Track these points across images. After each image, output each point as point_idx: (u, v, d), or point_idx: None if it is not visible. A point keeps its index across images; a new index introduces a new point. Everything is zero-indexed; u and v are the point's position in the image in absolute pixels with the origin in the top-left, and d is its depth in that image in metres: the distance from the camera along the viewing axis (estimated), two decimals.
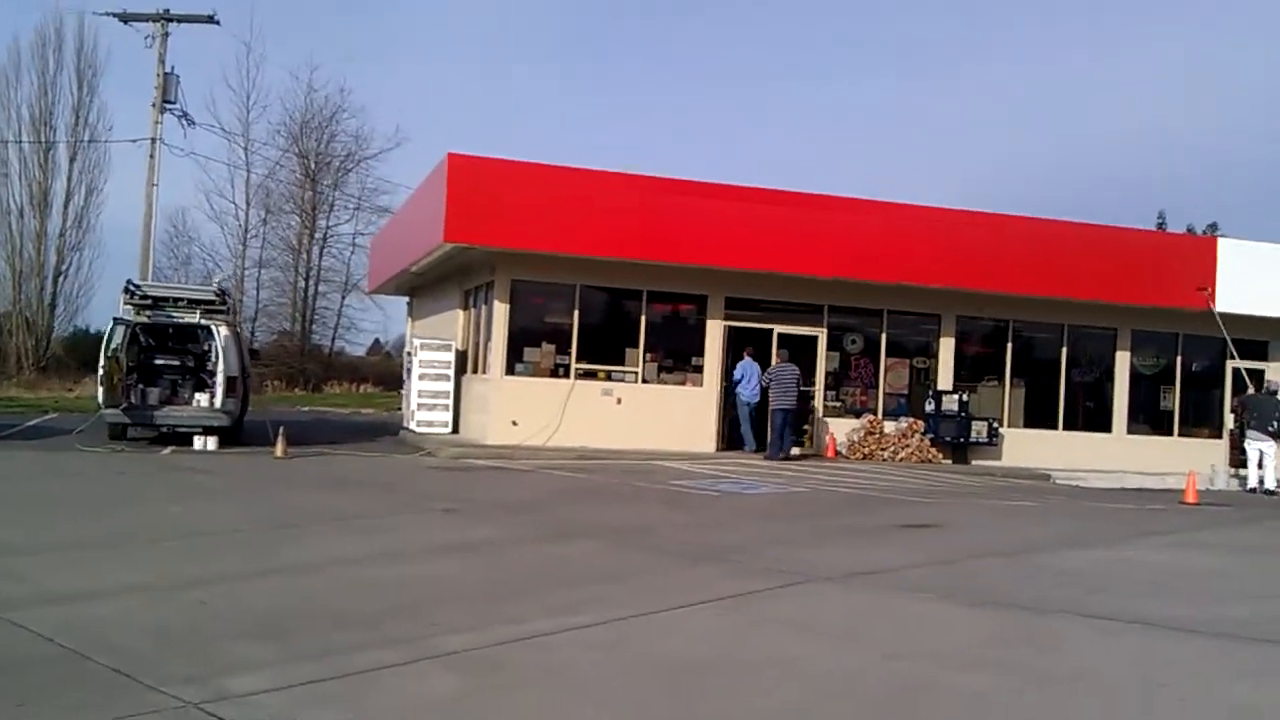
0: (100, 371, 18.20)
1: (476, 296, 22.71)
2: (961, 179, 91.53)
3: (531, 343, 20.71)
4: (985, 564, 10.37)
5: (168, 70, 31.67)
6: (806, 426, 22.26)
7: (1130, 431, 23.82)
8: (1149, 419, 24.19)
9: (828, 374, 22.28)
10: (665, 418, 20.65)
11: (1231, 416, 23.56)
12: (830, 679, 6.12)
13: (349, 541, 10.10)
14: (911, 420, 22.11)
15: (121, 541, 9.65)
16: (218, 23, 32.31)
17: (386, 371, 51.00)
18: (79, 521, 10.79)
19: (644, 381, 20.99)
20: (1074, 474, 20.99)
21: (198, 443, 18.10)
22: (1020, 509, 15.52)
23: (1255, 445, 20.48)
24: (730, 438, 21.42)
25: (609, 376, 20.77)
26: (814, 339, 22.09)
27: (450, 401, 22.13)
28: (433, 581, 8.32)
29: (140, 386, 19.04)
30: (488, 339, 21.07)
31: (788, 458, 20.37)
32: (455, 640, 6.40)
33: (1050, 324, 23.39)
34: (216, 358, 18.61)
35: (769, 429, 20.53)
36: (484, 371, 21.37)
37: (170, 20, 31.80)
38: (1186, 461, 20.59)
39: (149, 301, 18.96)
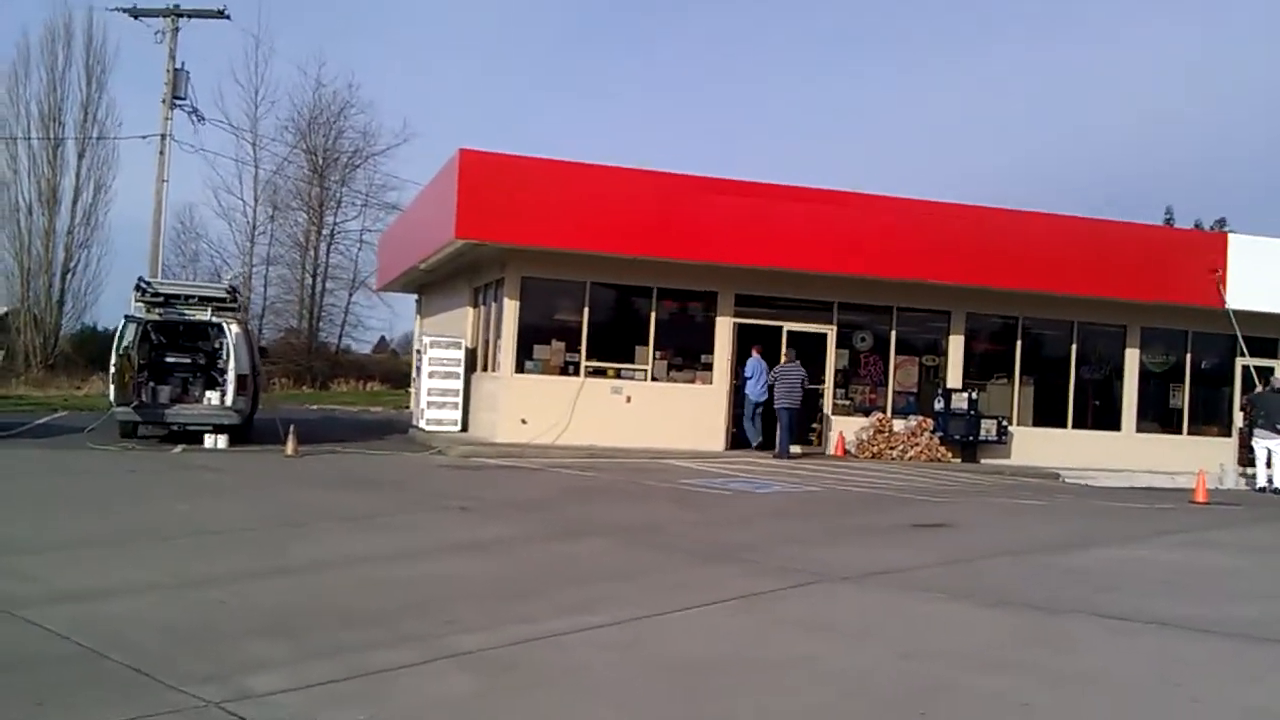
0: (111, 369, 18.25)
1: (486, 294, 22.73)
2: (970, 175, 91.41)
3: (541, 340, 20.73)
4: (997, 563, 10.36)
5: (178, 66, 31.71)
6: (815, 425, 22.26)
7: (1139, 430, 23.79)
8: (1158, 417, 24.14)
9: (837, 372, 22.27)
10: (674, 416, 20.66)
11: (1241, 415, 23.51)
12: (847, 679, 6.13)
13: (361, 540, 10.13)
14: (921, 418, 22.08)
15: (134, 539, 9.67)
16: (228, 17, 32.38)
17: (393, 369, 51.08)
18: (91, 519, 10.83)
19: (653, 379, 21.00)
20: (1083, 472, 20.97)
21: (208, 441, 18.15)
22: (1030, 508, 15.51)
23: (1263, 444, 20.43)
24: (739, 436, 21.41)
25: (618, 374, 20.78)
26: (823, 336, 22.08)
27: (459, 399, 22.16)
28: (446, 580, 8.33)
29: (151, 384, 19.10)
30: (497, 336, 21.09)
31: (790, 456, 20.39)
32: (470, 639, 6.41)
33: (1060, 321, 23.35)
34: (227, 356, 18.65)
35: (778, 428, 20.54)
36: (494, 369, 21.39)
37: (181, 15, 31.85)
38: (1195, 460, 20.55)
39: (160, 299, 19.00)
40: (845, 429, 21.85)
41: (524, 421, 20.02)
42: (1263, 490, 20.11)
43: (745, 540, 11.08)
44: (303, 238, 49.99)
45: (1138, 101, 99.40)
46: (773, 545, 10.77)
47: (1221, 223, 57.01)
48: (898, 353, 22.71)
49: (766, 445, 20.80)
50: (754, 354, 21.01)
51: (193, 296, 19.46)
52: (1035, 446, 22.49)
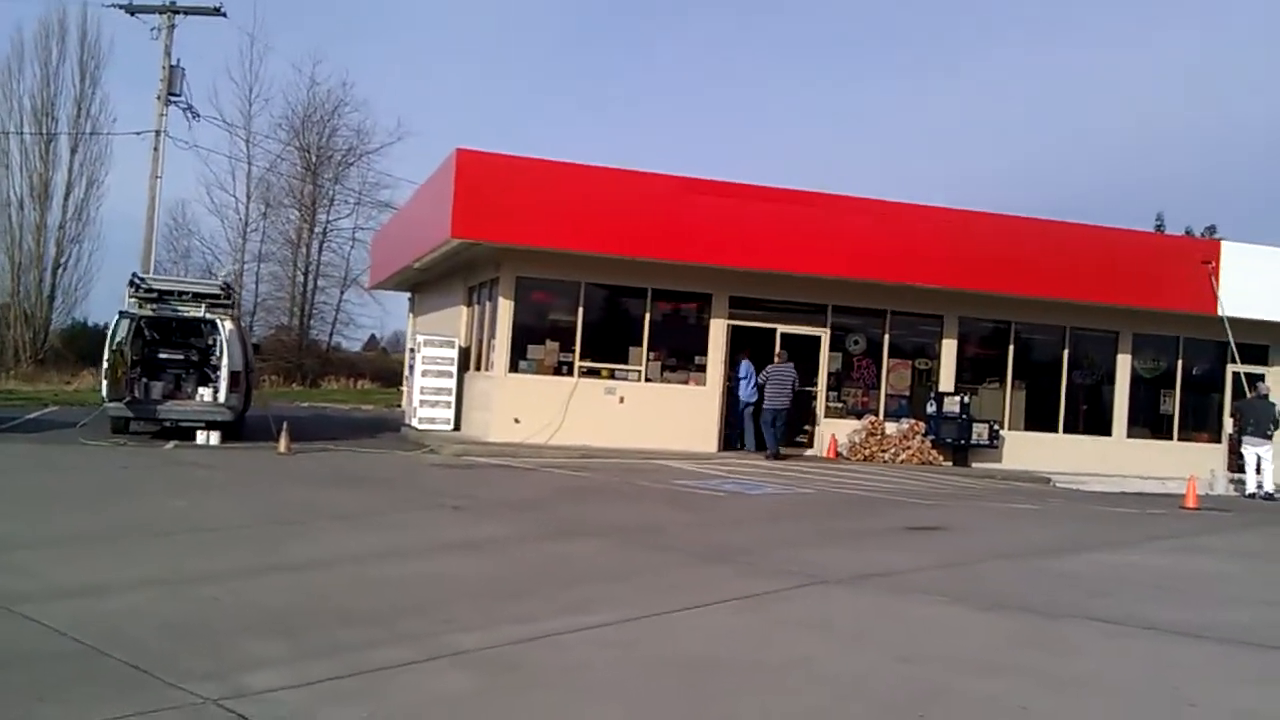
0: (104, 365, 18.20)
1: (480, 293, 22.71)
2: (967, 180, 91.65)
3: (535, 340, 20.73)
4: (991, 567, 10.40)
5: (173, 63, 31.63)
6: (808, 427, 22.31)
7: (1130, 435, 23.87)
8: (1149, 423, 24.23)
9: (830, 374, 22.31)
10: (668, 417, 20.67)
11: (1231, 421, 23.62)
12: (845, 681, 6.15)
13: (356, 538, 10.12)
14: (913, 422, 22.14)
15: (130, 536, 9.66)
16: (224, 15, 32.28)
17: (384, 367, 51.02)
18: (85, 516, 10.79)
19: (647, 380, 21.01)
20: (1074, 477, 21.05)
21: (200, 437, 18.11)
22: (1023, 512, 15.56)
23: (1252, 450, 20.54)
24: (731, 438, 21.45)
25: (612, 375, 20.79)
26: (817, 339, 22.12)
27: (453, 398, 22.14)
28: (442, 579, 8.34)
29: (144, 380, 19.04)
30: (491, 336, 21.08)
31: (777, 456, 20.49)
32: (468, 639, 6.42)
33: (1052, 326, 23.43)
34: (221, 352, 18.62)
35: (764, 427, 20.69)
36: (487, 369, 21.38)
37: (177, 12, 31.74)
38: (1186, 465, 20.65)
39: (154, 295, 18.96)
40: (838, 431, 21.90)
41: (517, 421, 20.02)
42: (1252, 496, 20.21)
43: (740, 542, 11.11)
44: (295, 235, 49.94)
45: (1131, 108, 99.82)
46: (767, 547, 10.80)
47: (1212, 230, 57.21)
48: (890, 356, 22.75)
49: (759, 447, 20.85)
50: (743, 358, 21.09)
51: (186, 293, 19.42)
52: (1027, 451, 22.55)
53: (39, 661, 5.64)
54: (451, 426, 21.98)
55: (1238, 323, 22.21)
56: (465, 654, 6.13)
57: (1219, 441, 24.17)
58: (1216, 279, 22.15)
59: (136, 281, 19.23)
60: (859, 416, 22.26)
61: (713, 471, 17.99)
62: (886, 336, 22.68)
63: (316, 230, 50.08)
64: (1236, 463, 22.30)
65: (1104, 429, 23.75)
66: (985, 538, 12.68)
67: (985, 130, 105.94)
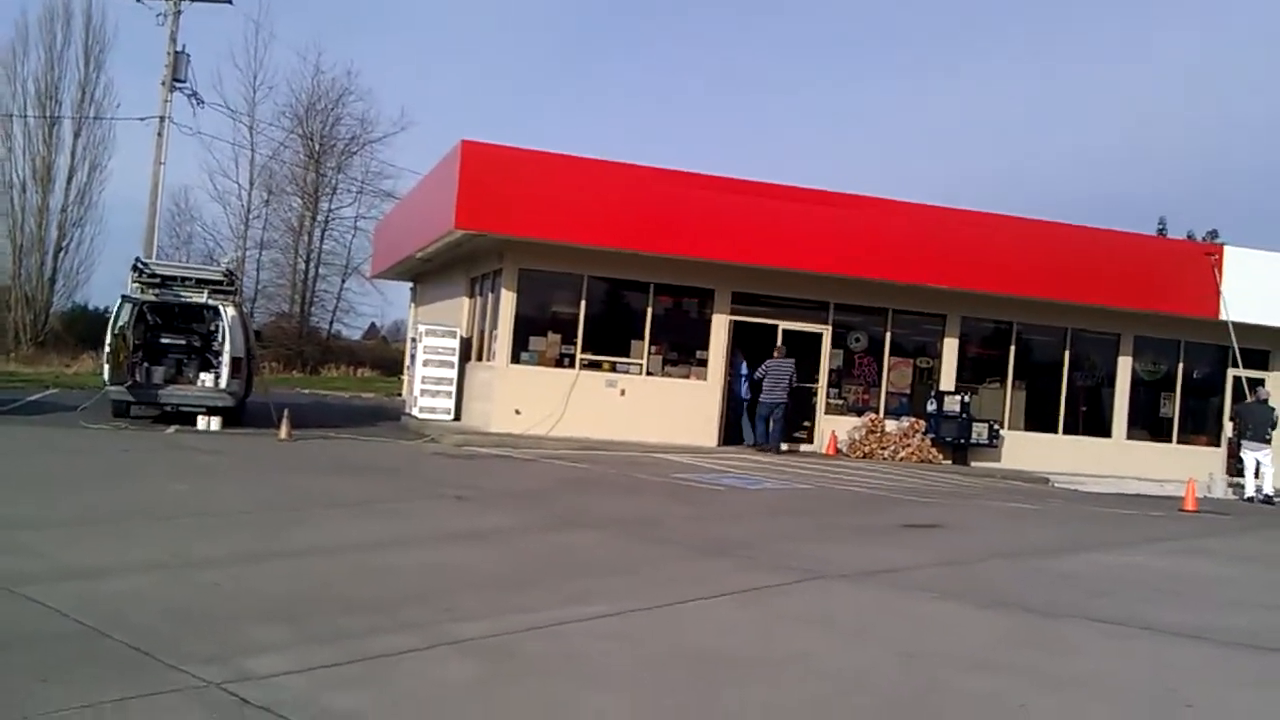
0: (106, 349, 18.22)
1: (483, 284, 22.72)
2: (969, 180, 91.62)
3: (537, 332, 20.74)
4: (990, 566, 10.42)
5: (179, 49, 31.59)
6: (808, 423, 22.34)
7: (1129, 437, 23.88)
8: (1148, 425, 24.24)
9: (831, 371, 22.33)
10: (668, 411, 20.69)
11: (1230, 425, 23.65)
12: (846, 676, 6.17)
13: (358, 526, 10.14)
14: (913, 420, 22.16)
15: (132, 519, 9.67)
16: (230, 2, 32.31)
17: (384, 356, 51.02)
18: (87, 498, 10.80)
19: (648, 374, 21.03)
20: (1072, 478, 21.07)
21: (201, 423, 18.12)
22: (1022, 511, 15.58)
23: (1251, 454, 20.56)
24: (732, 432, 21.48)
25: (613, 368, 20.81)
26: (819, 336, 22.14)
27: (454, 388, 22.15)
28: (444, 568, 8.35)
29: (145, 365, 19.06)
30: (494, 327, 21.09)
31: (776, 451, 20.57)
32: (470, 627, 6.44)
33: (1054, 327, 23.43)
34: (223, 338, 18.63)
35: (759, 420, 20.88)
36: (489, 359, 21.40)
37: None
38: (1184, 468, 20.68)
39: (157, 280, 18.97)
40: (838, 428, 21.91)
41: (518, 412, 20.03)
42: (1250, 500, 20.24)
43: (739, 536, 11.12)
44: (297, 223, 49.96)
45: (1132, 110, 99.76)
46: (767, 541, 10.82)
47: (1214, 234, 57.13)
48: (892, 354, 22.77)
49: (764, 441, 20.94)
50: (740, 358, 21.21)
51: (189, 278, 19.43)
52: (1026, 451, 22.57)
53: (42, 643, 5.65)
54: (452, 416, 21.99)
55: (1238, 327, 22.22)
56: (467, 642, 6.15)
57: (1218, 445, 24.19)
58: (1219, 271, 22.16)
59: (139, 266, 19.24)
60: (859, 414, 22.28)
61: (712, 466, 18.01)
62: (888, 334, 22.70)
63: (319, 218, 50.13)
64: (1235, 466, 22.32)
65: (1103, 430, 23.77)
66: (984, 536, 12.70)
67: (985, 132, 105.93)
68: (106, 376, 18.31)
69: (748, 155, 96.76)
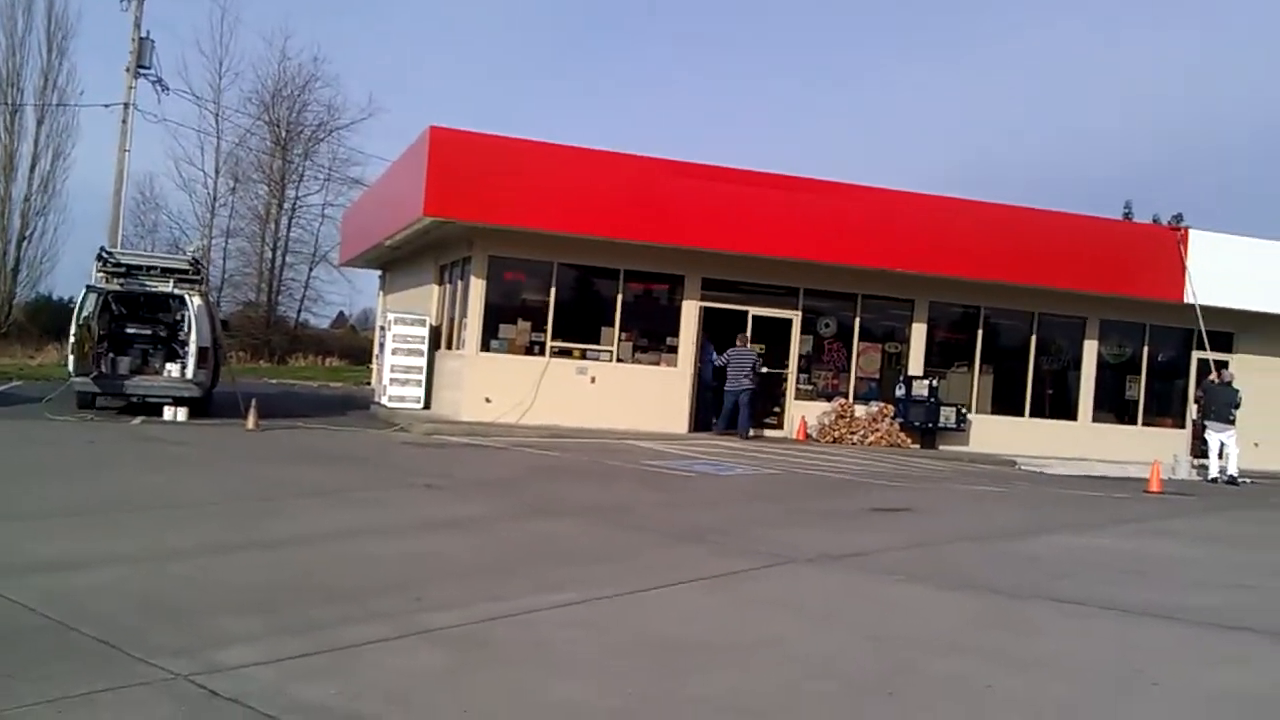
0: (71, 339, 18.02)
1: (452, 272, 22.64)
2: (938, 167, 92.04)
3: (507, 320, 20.69)
4: (958, 548, 10.52)
5: (143, 35, 31.20)
6: (778, 409, 22.43)
7: (1095, 420, 24.13)
8: (1114, 408, 24.50)
9: (801, 357, 22.41)
10: (639, 397, 20.71)
11: (1195, 407, 23.93)
12: (815, 660, 6.21)
13: (328, 516, 10.10)
14: (882, 405, 22.29)
15: (100, 511, 9.59)
16: None
17: (352, 345, 50.74)
18: (53, 491, 10.69)
19: (618, 361, 21.03)
20: (1039, 460, 21.26)
21: (167, 413, 17.97)
22: (989, 494, 15.72)
23: (1216, 435, 20.80)
24: (702, 418, 21.54)
25: (584, 355, 20.80)
26: (788, 322, 22.21)
27: (423, 377, 22.10)
28: (415, 557, 8.34)
29: (111, 355, 18.87)
30: (463, 315, 21.02)
31: (745, 437, 20.72)
32: (441, 616, 6.43)
33: (1020, 312, 23.62)
34: (189, 328, 18.45)
35: (724, 408, 21.05)
36: (459, 347, 21.34)
37: None
38: (1149, 450, 20.91)
39: (122, 270, 18.75)
40: (807, 413, 22.01)
41: (488, 400, 19.99)
42: (1214, 481, 20.48)
43: (711, 521, 11.16)
44: (263, 211, 49.51)
45: (1102, 98, 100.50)
46: (738, 527, 10.87)
47: (1179, 218, 57.56)
48: (861, 339, 22.89)
49: (730, 429, 21.06)
50: (709, 343, 21.42)
51: (155, 268, 19.23)
52: (993, 434, 22.76)
53: (8, 638, 5.60)
54: (422, 405, 21.94)
55: (1204, 310, 22.45)
56: (437, 631, 6.15)
57: (1183, 427, 24.47)
58: (1184, 249, 22.39)
59: (104, 256, 19.02)
60: (829, 399, 22.38)
61: (683, 452, 18.06)
62: (857, 320, 22.80)
63: (286, 206, 49.72)
64: (1200, 448, 22.58)
65: (1069, 413, 24.00)
66: (952, 520, 12.81)
67: (957, 119, 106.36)
68: (71, 367, 18.11)
69: (719, 141, 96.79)
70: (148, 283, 18.89)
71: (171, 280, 18.79)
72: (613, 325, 21.10)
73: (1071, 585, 8.85)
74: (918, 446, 22.05)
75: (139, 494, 10.72)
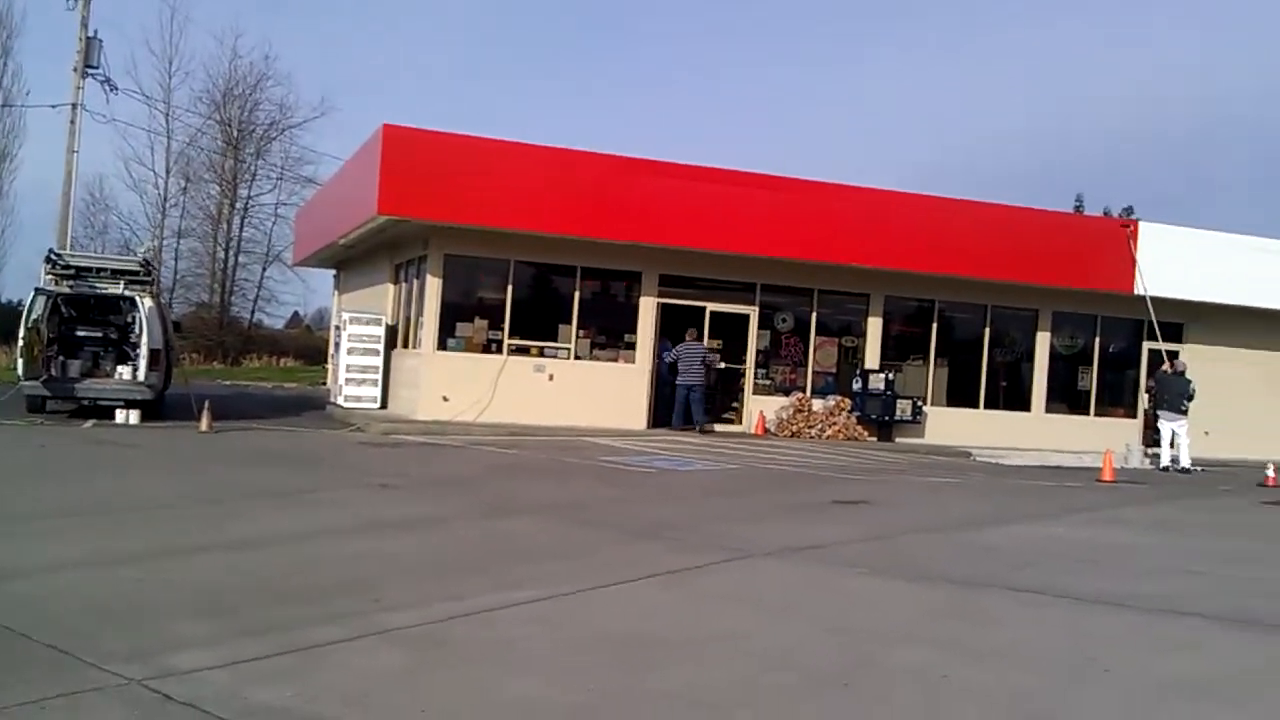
0: (20, 343, 17.77)
1: (408, 270, 22.51)
2: (898, 163, 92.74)
3: (464, 318, 20.60)
4: (916, 540, 10.61)
5: (90, 34, 30.72)
6: (736, 404, 22.52)
7: (1048, 410, 24.42)
8: (1066, 398, 24.81)
9: (758, 352, 22.50)
10: (597, 394, 20.70)
11: (1146, 396, 24.30)
12: (773, 653, 6.24)
13: (284, 517, 10.01)
14: (839, 398, 22.42)
15: (49, 516, 9.42)
16: None
17: (307, 345, 50.36)
18: (3, 495, 10.52)
19: (576, 358, 21.01)
20: (994, 451, 21.47)
21: (119, 416, 17.74)
22: (945, 486, 15.87)
23: (1168, 425, 21.11)
24: (660, 415, 21.58)
25: (541, 353, 20.75)
26: (746, 317, 22.29)
27: (379, 376, 21.97)
28: (372, 558, 8.28)
29: (61, 358, 18.59)
30: (419, 313, 20.91)
31: (699, 431, 20.84)
32: (398, 617, 6.40)
33: (974, 305, 23.84)
34: (140, 330, 18.23)
35: (679, 405, 21.20)
36: (415, 346, 21.22)
37: None
38: (1102, 440, 21.17)
39: (71, 272, 18.50)
40: (765, 408, 22.11)
41: (446, 399, 19.90)
42: (1166, 470, 20.78)
43: (669, 517, 11.18)
44: (215, 211, 49.05)
45: (1052, 91, 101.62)
46: (697, 522, 10.89)
47: (1129, 211, 58.44)
48: (818, 334, 23.01)
49: (686, 424, 21.14)
50: (665, 340, 21.52)
51: (105, 269, 18.98)
52: (948, 426, 22.97)
53: None
54: (378, 405, 21.81)
55: (1154, 301, 22.76)
56: (394, 632, 6.11)
57: (1134, 416, 24.84)
58: (1134, 243, 22.71)
59: (53, 258, 18.76)
60: (786, 393, 22.49)
61: (642, 448, 18.07)
62: (814, 315, 22.93)
63: (238, 206, 49.29)
64: (1151, 437, 22.92)
65: (1023, 405, 24.28)
66: (909, 511, 12.92)
67: (913, 115, 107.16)
68: (21, 371, 17.84)
69: (674, 139, 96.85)
70: (98, 285, 18.65)
71: (122, 282, 18.57)
72: (570, 322, 21.06)
73: (1027, 575, 8.96)
74: (875, 439, 22.20)
75: (91, 498, 10.58)
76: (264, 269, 50.44)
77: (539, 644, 6.13)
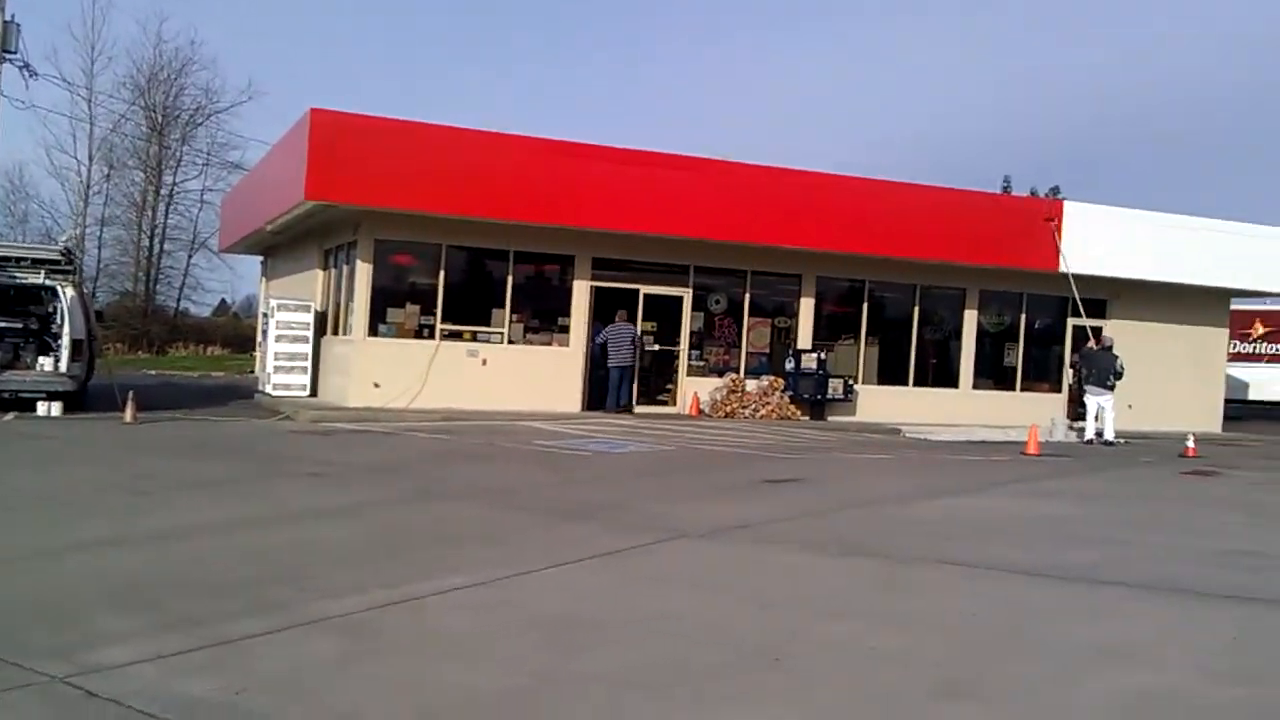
0: None
1: (338, 256, 22.22)
2: (836, 146, 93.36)
3: (395, 303, 20.38)
4: (847, 515, 10.75)
5: (8, 19, 29.77)
6: (670, 385, 22.59)
7: (976, 387, 24.82)
8: (993, 375, 25.23)
9: (692, 334, 22.57)
10: (531, 378, 20.64)
11: (1071, 371, 24.82)
12: (706, 631, 6.29)
13: (213, 507, 9.86)
14: (772, 378, 22.59)
15: None
16: None
17: (235, 333, 49.62)
18: None
19: (510, 342, 20.91)
20: (923, 428, 21.80)
21: (41, 408, 17.30)
22: (875, 462, 16.08)
23: (1095, 399, 21.58)
24: (594, 398, 21.60)
25: (474, 337, 20.62)
26: (679, 299, 22.34)
27: (309, 364, 21.68)
28: (303, 547, 8.19)
29: None
30: (349, 299, 20.66)
31: (628, 411, 20.98)
32: (330, 605, 6.35)
33: (903, 284, 24.13)
34: (62, 320, 17.80)
35: (611, 387, 21.32)
36: (345, 333, 20.98)
37: None
38: (1028, 415, 21.57)
39: None
40: (700, 389, 22.21)
41: (377, 385, 19.70)
42: (1090, 442, 21.26)
43: (604, 499, 11.21)
44: (140, 198, 48.01)
45: (982, 73, 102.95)
46: (632, 503, 10.93)
47: (1055, 190, 59.54)
48: (751, 315, 23.14)
49: (622, 406, 21.21)
50: (598, 323, 21.56)
51: (24, 259, 18.47)
52: (879, 404, 23.26)
53: None
54: (308, 392, 21.54)
55: (1079, 278, 23.22)
56: (325, 621, 6.06)
57: (1059, 391, 25.35)
58: (1059, 235, 23.13)
59: None
60: (720, 374, 22.60)
61: (577, 431, 18.07)
62: (747, 296, 23.04)
63: (163, 192, 48.29)
64: (1076, 411, 23.43)
65: (952, 381, 24.65)
66: (840, 488, 13.09)
67: (849, 99, 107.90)
68: None
69: (609, 121, 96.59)
70: (17, 274, 18.16)
71: (43, 271, 18.10)
72: (504, 307, 20.94)
73: (954, 547, 9.13)
74: (807, 418, 22.41)
75: (11, 492, 10.33)
76: (190, 256, 49.65)
77: (471, 630, 6.12)
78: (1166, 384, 24.50)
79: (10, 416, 16.99)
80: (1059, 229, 23.18)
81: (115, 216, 47.75)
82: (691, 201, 20.63)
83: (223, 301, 60.63)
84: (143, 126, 47.42)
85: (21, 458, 13.00)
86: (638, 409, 21.77)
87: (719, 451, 16.31)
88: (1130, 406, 22.43)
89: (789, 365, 22.69)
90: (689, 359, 22.59)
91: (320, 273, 23.27)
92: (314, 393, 21.62)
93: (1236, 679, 5.77)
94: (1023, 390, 25.14)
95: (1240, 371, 30.34)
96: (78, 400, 18.19)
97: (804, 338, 23.25)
